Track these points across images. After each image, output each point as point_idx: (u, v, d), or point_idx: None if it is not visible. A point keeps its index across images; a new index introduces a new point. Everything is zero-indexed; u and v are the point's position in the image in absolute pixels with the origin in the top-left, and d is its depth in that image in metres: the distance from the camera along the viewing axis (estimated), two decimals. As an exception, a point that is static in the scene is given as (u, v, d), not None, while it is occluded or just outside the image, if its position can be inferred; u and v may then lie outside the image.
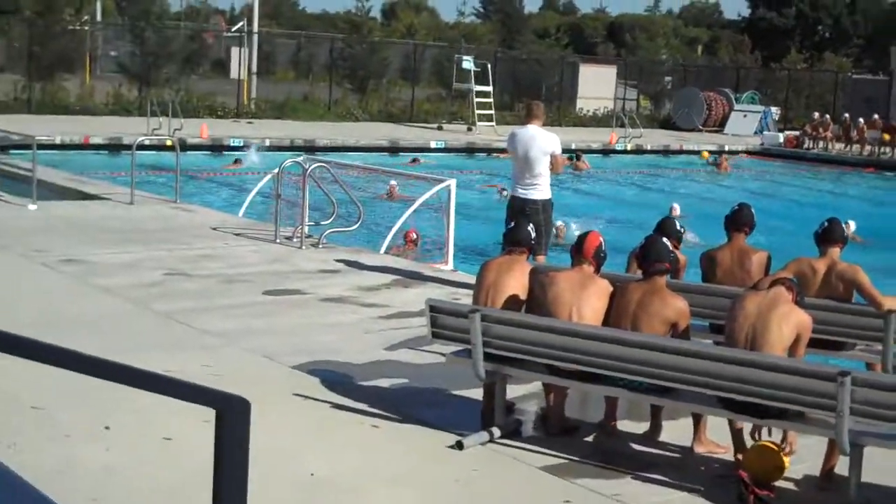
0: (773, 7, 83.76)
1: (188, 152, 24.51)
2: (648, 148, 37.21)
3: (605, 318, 7.20)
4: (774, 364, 6.33)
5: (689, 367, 6.53)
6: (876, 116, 38.74)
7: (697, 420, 7.18)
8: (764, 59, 69.09)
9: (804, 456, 6.93)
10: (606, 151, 35.86)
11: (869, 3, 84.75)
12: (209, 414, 2.96)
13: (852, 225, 21.15)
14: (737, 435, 6.91)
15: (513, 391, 7.89)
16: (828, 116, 39.88)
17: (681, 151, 37.39)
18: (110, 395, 5.47)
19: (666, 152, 37.41)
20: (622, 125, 37.86)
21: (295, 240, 14.28)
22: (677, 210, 21.88)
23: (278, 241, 14.30)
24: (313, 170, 14.41)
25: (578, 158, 32.98)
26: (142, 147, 18.60)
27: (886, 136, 37.10)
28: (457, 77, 39.15)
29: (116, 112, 33.64)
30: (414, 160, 29.62)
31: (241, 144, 28.88)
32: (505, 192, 22.20)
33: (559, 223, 18.48)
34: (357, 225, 14.63)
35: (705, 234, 17.90)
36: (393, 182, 20.88)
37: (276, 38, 57.44)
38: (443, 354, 8.28)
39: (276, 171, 15.18)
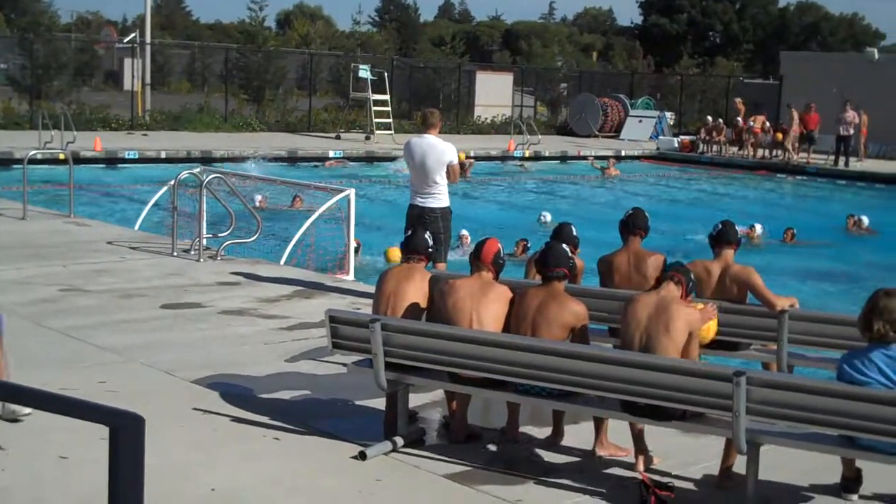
0: (665, 14, 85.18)
1: (82, 165, 24.07)
2: (546, 154, 37.49)
3: (505, 325, 7.23)
4: (672, 366, 6.41)
5: (588, 371, 6.58)
6: (767, 123, 39.36)
7: (599, 424, 7.23)
8: (657, 64, 70.21)
9: (702, 456, 7.04)
10: (505, 158, 36.08)
11: (758, 9, 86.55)
12: (106, 431, 2.92)
13: (758, 228, 21.63)
14: (638, 438, 6.98)
15: (415, 400, 7.89)
16: (721, 120, 40.58)
17: (578, 157, 37.74)
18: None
19: (564, 158, 37.74)
20: (520, 132, 38.12)
21: (193, 252, 14.12)
22: (547, 217, 22.19)
23: (175, 254, 14.13)
24: (210, 181, 14.27)
25: (609, 165, 33.21)
26: (34, 161, 18.24)
27: (779, 137, 37.76)
28: (354, 86, 39.09)
29: (6, 126, 32.95)
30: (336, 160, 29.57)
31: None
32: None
33: (463, 232, 18.58)
34: (255, 236, 14.52)
35: (600, 239, 18.17)
36: (298, 195, 20.74)
37: (169, 48, 56.83)
38: (344, 365, 8.27)
39: (171, 182, 15.00)
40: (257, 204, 20.28)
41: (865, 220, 23.55)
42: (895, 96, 40.38)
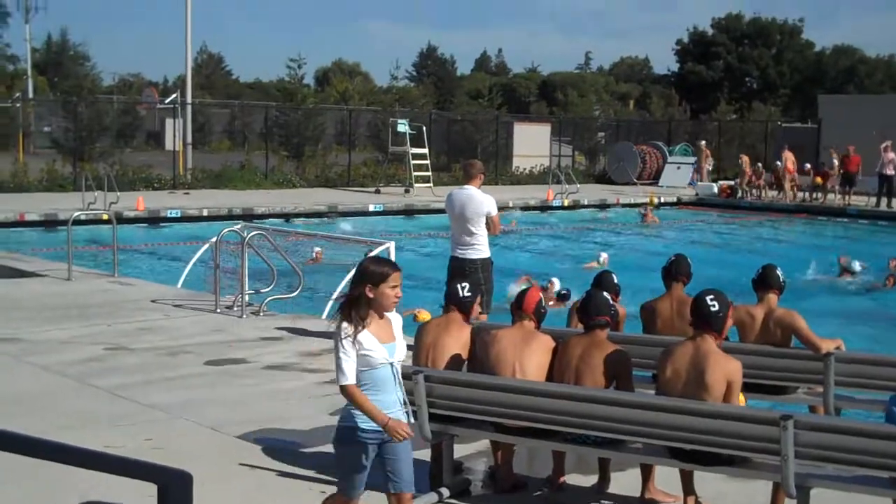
0: (701, 61, 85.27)
1: (125, 225, 24.32)
2: (585, 203, 37.48)
3: (548, 374, 7.22)
4: (718, 411, 6.37)
5: (633, 418, 6.55)
6: (808, 165, 39.29)
7: (646, 470, 7.19)
8: (694, 111, 70.18)
9: (751, 501, 6.96)
10: (544, 208, 36.10)
11: (794, 53, 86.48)
12: (153, 489, 2.93)
13: (857, 265, 21.73)
14: (686, 483, 6.92)
15: (460, 450, 7.87)
16: (759, 165, 40.42)
17: (617, 205, 37.69)
18: (52, 474, 5.38)
19: (602, 206, 37.70)
20: (558, 181, 38.15)
21: (235, 309, 14.21)
22: (605, 258, 22.24)
23: (219, 310, 14.22)
24: (251, 238, 14.37)
25: (647, 212, 33.35)
26: (78, 222, 18.40)
27: (819, 181, 37.67)
28: (392, 140, 39.28)
29: (51, 188, 33.34)
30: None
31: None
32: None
33: (553, 279, 18.63)
34: (298, 291, 14.58)
35: (641, 285, 18.11)
36: (317, 248, 20.81)
37: (209, 108, 57.46)
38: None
39: (213, 239, 15.12)
40: (314, 256, 20.41)
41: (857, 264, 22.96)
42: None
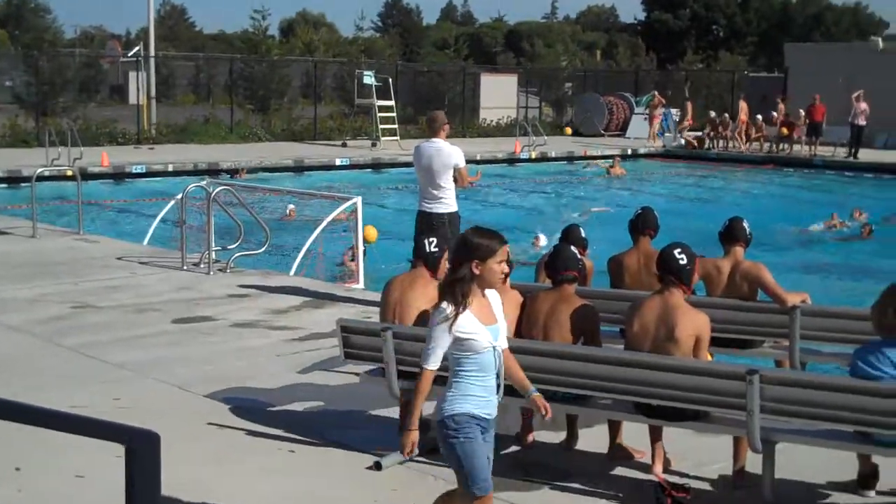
0: (667, 9, 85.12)
1: (90, 181, 24.14)
2: (553, 155, 37.47)
3: (516, 329, 7.22)
4: (684, 366, 6.40)
5: (601, 373, 6.58)
6: (774, 113, 39.51)
7: (613, 427, 7.22)
8: (661, 60, 70.13)
9: (718, 456, 7.02)
10: (512, 161, 36.07)
11: (761, 2, 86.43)
12: (121, 449, 2.92)
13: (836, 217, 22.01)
14: (654, 439, 6.96)
15: (429, 407, 7.88)
16: (727, 115, 40.51)
17: (585, 157, 37.70)
18: (19, 435, 5.35)
19: (570, 159, 37.72)
20: (525, 133, 38.11)
21: (202, 266, 14.14)
22: (541, 240, 21.65)
23: (185, 267, 14.16)
24: (217, 193, 14.28)
25: (613, 165, 33.38)
26: (42, 178, 18.23)
27: (785, 131, 37.84)
28: (359, 93, 39.09)
29: (14, 144, 33.01)
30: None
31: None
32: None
33: (539, 234, 18.57)
34: (265, 248, 14.53)
35: (611, 239, 18.16)
36: (291, 205, 20.73)
37: (174, 61, 56.90)
38: (357, 374, 8.27)
39: (178, 196, 15.02)
40: (287, 213, 20.33)
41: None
42: (901, 85, 40.35)
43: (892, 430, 5.93)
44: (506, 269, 5.10)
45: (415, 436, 5.17)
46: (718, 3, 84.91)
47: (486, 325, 4.99)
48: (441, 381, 5.22)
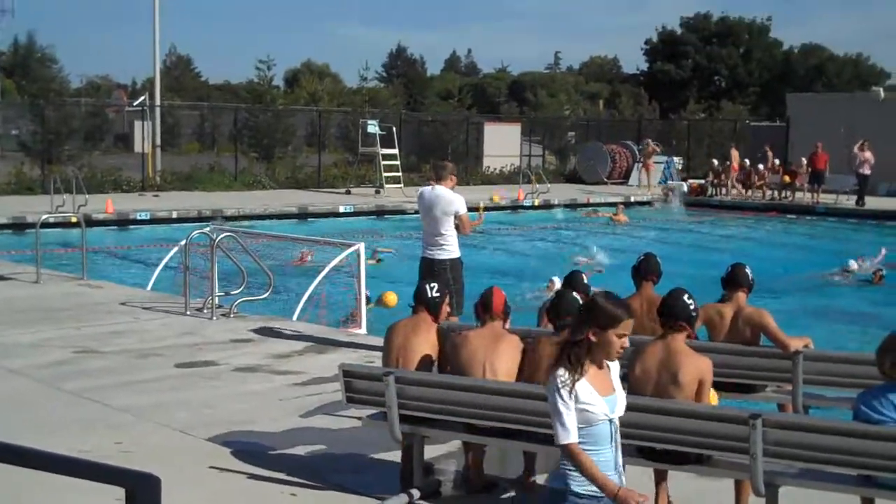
0: (670, 60, 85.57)
1: (94, 228, 24.20)
2: (556, 203, 37.56)
3: (518, 374, 7.23)
4: (687, 410, 6.40)
5: (603, 417, 6.55)
6: (777, 161, 39.72)
7: (615, 470, 7.19)
8: (663, 110, 70.42)
9: (721, 499, 6.99)
10: (515, 208, 36.17)
11: (763, 52, 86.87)
12: (122, 493, 2.92)
13: (853, 264, 22.22)
14: (658, 483, 6.94)
15: (431, 451, 7.87)
16: (728, 163, 40.63)
17: (588, 204, 37.80)
18: (20, 478, 5.34)
19: (573, 206, 37.81)
20: (529, 181, 38.21)
21: (205, 311, 14.16)
22: (556, 283, 21.94)
23: (188, 313, 14.17)
24: (221, 240, 14.32)
25: (617, 213, 33.54)
26: (46, 225, 18.32)
27: (787, 179, 38.01)
28: (362, 141, 39.25)
29: (19, 191, 33.13)
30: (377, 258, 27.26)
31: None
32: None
33: (554, 278, 18.67)
34: (268, 293, 14.54)
35: (614, 285, 18.11)
36: (304, 249, 20.78)
37: (178, 110, 57.20)
38: (359, 419, 8.25)
39: (182, 241, 15.06)
40: (300, 258, 20.37)
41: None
42: (903, 134, 40.54)
43: (894, 474, 5.92)
44: (626, 344, 4.68)
45: (625, 492, 4.64)
46: (720, 53, 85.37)
47: (603, 396, 4.61)
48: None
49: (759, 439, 6.04)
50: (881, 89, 46.88)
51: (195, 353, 11.88)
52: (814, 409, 8.62)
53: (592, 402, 4.56)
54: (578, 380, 4.56)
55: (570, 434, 4.55)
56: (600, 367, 4.68)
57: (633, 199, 39.07)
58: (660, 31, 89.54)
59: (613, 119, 63.97)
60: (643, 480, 7.06)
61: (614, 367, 4.77)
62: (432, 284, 7.88)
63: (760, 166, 39.16)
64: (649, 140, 44.62)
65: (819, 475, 6.26)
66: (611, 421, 4.64)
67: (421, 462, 7.38)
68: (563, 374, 4.58)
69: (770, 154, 39.46)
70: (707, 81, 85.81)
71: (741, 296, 8.53)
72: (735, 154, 39.96)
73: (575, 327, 4.69)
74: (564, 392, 4.53)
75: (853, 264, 22.42)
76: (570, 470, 4.60)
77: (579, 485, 4.61)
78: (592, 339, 4.60)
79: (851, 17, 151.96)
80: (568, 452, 4.58)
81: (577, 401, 4.54)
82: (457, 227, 11.59)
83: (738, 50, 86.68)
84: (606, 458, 4.65)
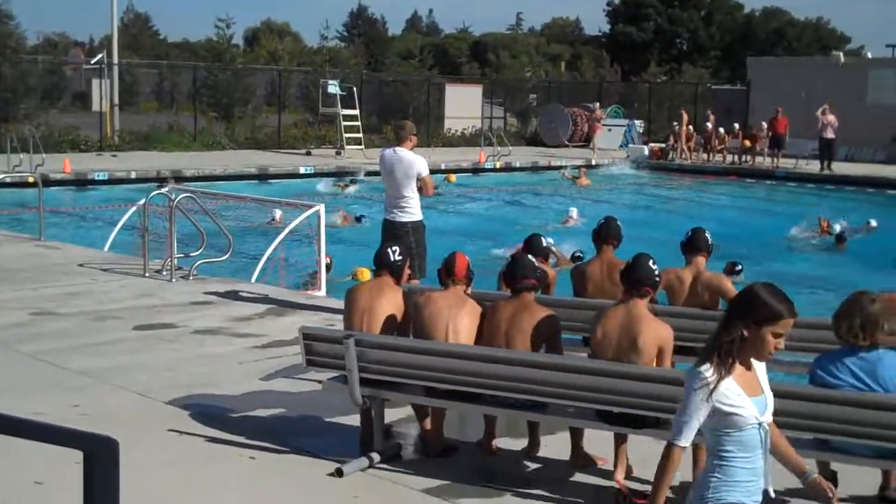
0: (631, 22, 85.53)
1: (52, 188, 23.98)
2: (517, 165, 37.56)
3: (476, 338, 7.24)
4: (645, 374, 6.43)
5: (562, 381, 6.59)
6: (736, 125, 39.92)
7: (575, 434, 7.24)
8: (625, 73, 70.49)
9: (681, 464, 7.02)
10: (476, 170, 36.14)
11: (724, 15, 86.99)
12: (80, 455, 2.90)
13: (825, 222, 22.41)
14: (618, 446, 6.98)
15: (391, 415, 7.88)
16: (690, 127, 40.78)
17: (549, 167, 37.83)
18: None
19: (535, 169, 37.82)
20: (490, 144, 38.20)
21: (164, 273, 14.06)
22: (574, 214, 23.22)
23: (147, 274, 14.08)
24: (180, 200, 14.22)
25: (580, 174, 33.54)
26: (2, 185, 18.12)
27: (747, 143, 38.20)
28: (323, 102, 39.07)
29: (-26, 150, 32.75)
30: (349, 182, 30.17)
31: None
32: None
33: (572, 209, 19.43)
34: (227, 255, 14.46)
35: (573, 248, 18.20)
36: (279, 211, 20.74)
37: (137, 68, 56.60)
38: (319, 382, 8.24)
39: (141, 202, 14.94)
40: (276, 219, 20.36)
41: (837, 225, 23.58)
42: (861, 99, 40.83)
43: (850, 438, 5.98)
44: (781, 346, 4.19)
45: None
46: (682, 16, 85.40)
47: (751, 397, 4.15)
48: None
49: (717, 403, 6.07)
50: (841, 54, 47.12)
51: (154, 316, 11.81)
52: (771, 374, 8.68)
53: (741, 405, 4.12)
54: (724, 378, 4.09)
55: (684, 438, 4.19)
56: (748, 367, 4.21)
57: (594, 161, 39.11)
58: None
59: (575, 81, 63.94)
60: (602, 444, 7.11)
61: (761, 366, 4.30)
62: (394, 248, 7.86)
63: (721, 130, 39.28)
64: (597, 104, 44.66)
65: (776, 439, 6.31)
66: (760, 424, 4.18)
67: (381, 425, 7.38)
68: (707, 372, 4.10)
69: (712, 118, 39.67)
70: (669, 44, 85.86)
71: (700, 260, 8.56)
72: (685, 117, 40.18)
73: (727, 320, 4.18)
74: (702, 392, 4.08)
75: (837, 226, 22.78)
76: (723, 480, 4.18)
77: (747, 495, 4.20)
78: (745, 333, 4.12)
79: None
80: (669, 454, 4.23)
81: (722, 402, 4.09)
82: (419, 190, 11.57)
83: (699, 13, 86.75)
84: (757, 466, 4.22)
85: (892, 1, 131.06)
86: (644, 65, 70.74)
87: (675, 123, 40.98)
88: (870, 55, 48.04)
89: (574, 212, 24.22)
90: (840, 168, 36.44)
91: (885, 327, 6.29)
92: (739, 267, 17.21)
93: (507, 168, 37.06)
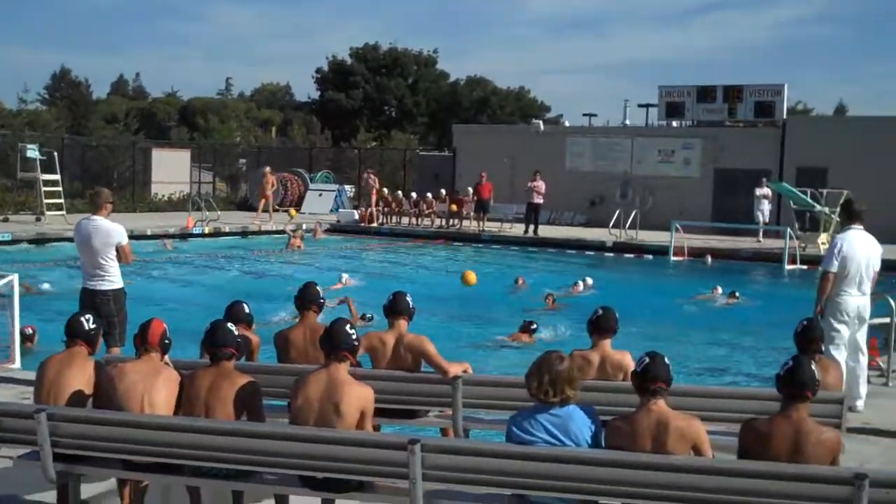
0: (340, 89, 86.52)
1: None
2: (227, 230, 37.18)
3: (176, 408, 7.08)
4: (347, 438, 6.44)
5: (264, 448, 6.52)
6: (443, 191, 40.91)
7: (281, 501, 7.17)
8: (335, 138, 71.17)
9: None
10: (185, 236, 35.54)
11: (430, 83, 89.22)
12: None
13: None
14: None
15: (90, 490, 7.57)
16: (399, 192, 41.53)
17: (260, 232, 37.63)
18: None
19: (245, 233, 37.53)
20: (199, 209, 37.68)
21: None
22: (346, 279, 23.27)
23: None
24: None
25: (295, 236, 33.49)
26: None
27: (454, 208, 39.16)
28: (22, 166, 37.68)
29: None
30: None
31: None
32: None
33: (520, 279, 18.80)
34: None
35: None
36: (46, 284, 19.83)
37: None
38: (11, 458, 7.85)
39: None
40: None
41: (589, 280, 24.47)
42: (560, 165, 42.72)
43: (544, 492, 6.16)
44: None
45: None
46: (389, 84, 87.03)
47: None
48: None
49: (418, 463, 6.15)
50: (540, 122, 49.11)
51: None
52: (474, 432, 8.89)
53: None
54: None
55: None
56: None
57: (304, 226, 39.14)
58: (330, 60, 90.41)
59: (285, 147, 64.08)
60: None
61: None
62: (87, 316, 7.61)
63: (429, 195, 40.14)
64: (268, 168, 43.38)
65: (476, 496, 6.43)
66: None
67: (77, 501, 7.09)
68: None
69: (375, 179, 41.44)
70: (378, 111, 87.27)
71: (402, 323, 8.70)
72: (374, 179, 41.35)
73: None
74: None
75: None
76: None
77: None
78: None
79: (513, 53, 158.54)
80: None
81: None
82: (118, 258, 11.31)
83: (406, 81, 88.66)
84: None
85: (587, 73, 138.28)
86: (354, 131, 71.65)
87: (385, 189, 41.67)
88: (567, 123, 50.22)
89: (582, 284, 24.15)
90: (543, 231, 37.81)
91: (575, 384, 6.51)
92: (535, 326, 17.64)
93: (216, 233, 36.62)
